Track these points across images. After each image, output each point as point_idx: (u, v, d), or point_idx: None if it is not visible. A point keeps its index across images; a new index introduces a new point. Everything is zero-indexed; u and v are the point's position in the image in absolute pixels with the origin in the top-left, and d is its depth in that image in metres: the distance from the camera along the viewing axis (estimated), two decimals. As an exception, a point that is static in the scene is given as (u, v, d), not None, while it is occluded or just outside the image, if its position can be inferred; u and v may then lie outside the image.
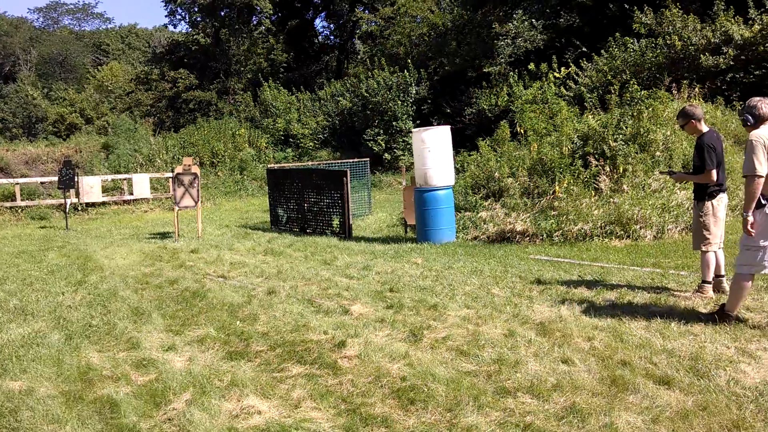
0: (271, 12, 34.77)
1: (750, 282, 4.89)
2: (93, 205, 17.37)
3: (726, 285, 5.85)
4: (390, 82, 23.26)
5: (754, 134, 4.70)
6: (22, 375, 4.41)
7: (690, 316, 5.15)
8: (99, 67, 44.43)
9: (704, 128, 5.85)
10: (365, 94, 23.62)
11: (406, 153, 22.30)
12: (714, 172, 5.60)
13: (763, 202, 4.69)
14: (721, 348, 4.39)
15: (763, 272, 4.85)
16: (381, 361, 4.41)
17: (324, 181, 11.75)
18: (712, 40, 15.41)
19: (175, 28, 47.00)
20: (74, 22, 62.47)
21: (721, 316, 4.94)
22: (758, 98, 4.89)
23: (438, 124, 17.24)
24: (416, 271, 7.51)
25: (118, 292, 6.92)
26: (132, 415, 3.71)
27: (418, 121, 23.24)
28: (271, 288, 6.80)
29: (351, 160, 15.75)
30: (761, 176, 4.62)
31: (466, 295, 6.19)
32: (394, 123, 23.01)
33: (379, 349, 4.63)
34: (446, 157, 9.86)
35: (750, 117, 4.81)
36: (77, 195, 15.88)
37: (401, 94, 23.18)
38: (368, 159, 16.12)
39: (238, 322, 5.58)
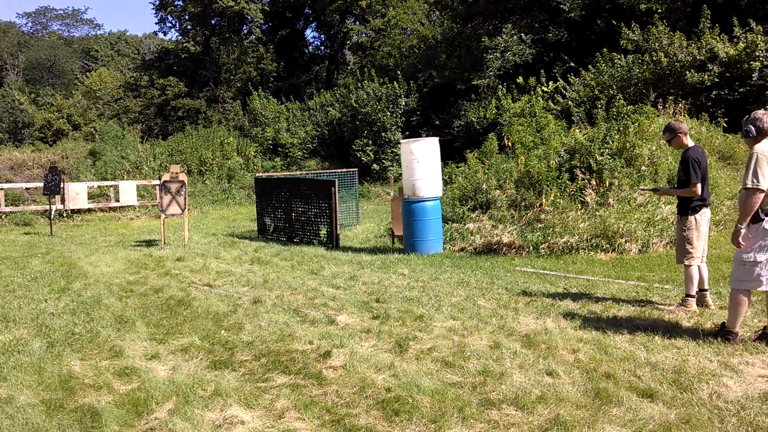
0: (262, 21, 34.87)
1: (747, 297, 4.83)
2: (78, 211, 17.25)
3: (709, 299, 5.91)
4: (379, 93, 23.36)
5: (759, 148, 4.66)
6: (2, 383, 4.35)
7: (674, 329, 5.19)
8: (87, 73, 44.26)
9: (690, 143, 5.93)
10: (354, 105, 23.71)
11: (395, 164, 22.38)
12: (698, 186, 5.67)
13: (761, 216, 4.67)
14: (704, 361, 4.42)
15: (760, 288, 4.77)
16: (366, 372, 4.40)
17: (312, 191, 11.74)
18: (698, 57, 15.63)
19: (165, 35, 47.05)
20: (63, 28, 62.36)
21: (722, 333, 4.89)
22: (762, 111, 4.87)
23: (427, 136, 17.31)
24: (403, 282, 7.52)
25: (102, 299, 6.86)
26: (113, 425, 3.67)
27: (407, 133, 23.34)
28: (257, 297, 6.77)
29: (339, 170, 15.76)
30: (763, 191, 4.59)
31: (452, 307, 6.20)
32: (383, 134, 23.10)
33: (364, 359, 4.62)
34: (434, 169, 9.90)
35: (753, 128, 4.76)
36: (63, 201, 15.75)
37: (390, 106, 23.29)
38: (357, 169, 16.14)
39: (222, 332, 5.55)
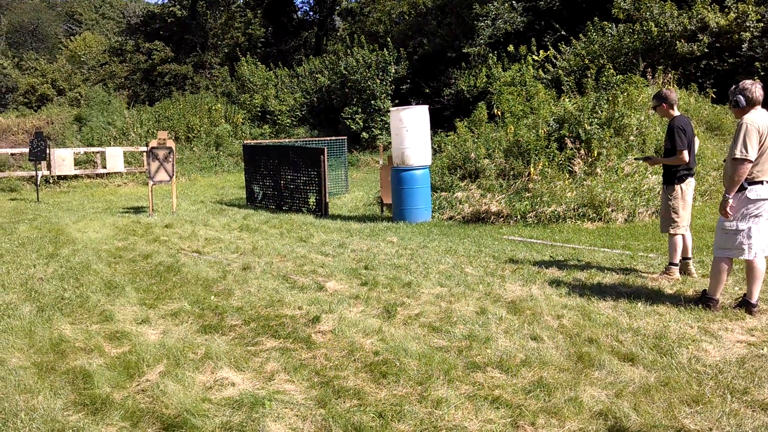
0: (250, -15, 34.23)
1: (728, 265, 4.91)
2: (65, 178, 17.09)
3: (692, 267, 6.01)
4: (369, 61, 23.14)
5: (749, 119, 4.65)
6: (-7, 346, 4.38)
7: (656, 296, 5.29)
8: (71, 37, 43.38)
9: (676, 113, 5.97)
10: (344, 72, 23.48)
11: (384, 132, 22.29)
12: (686, 153, 5.71)
13: (745, 185, 4.70)
14: (685, 327, 4.53)
15: (741, 257, 4.82)
16: (354, 336, 4.47)
17: (301, 159, 11.71)
18: (689, 27, 15.59)
19: (150, -1, 46.06)
20: (46, -10, 60.72)
21: (704, 300, 4.98)
22: (750, 81, 4.84)
23: (416, 104, 17.25)
24: (391, 250, 7.57)
25: (91, 265, 6.87)
26: (105, 386, 3.72)
27: (396, 101, 23.20)
28: (246, 264, 6.80)
29: (328, 138, 15.69)
30: (751, 161, 4.59)
31: (439, 274, 6.27)
32: (372, 102, 22.94)
33: (352, 324, 4.69)
34: (424, 137, 9.89)
35: (743, 99, 4.74)
36: (49, 167, 15.60)
37: (380, 73, 23.09)
38: (346, 137, 16.07)
39: (212, 297, 5.59)
